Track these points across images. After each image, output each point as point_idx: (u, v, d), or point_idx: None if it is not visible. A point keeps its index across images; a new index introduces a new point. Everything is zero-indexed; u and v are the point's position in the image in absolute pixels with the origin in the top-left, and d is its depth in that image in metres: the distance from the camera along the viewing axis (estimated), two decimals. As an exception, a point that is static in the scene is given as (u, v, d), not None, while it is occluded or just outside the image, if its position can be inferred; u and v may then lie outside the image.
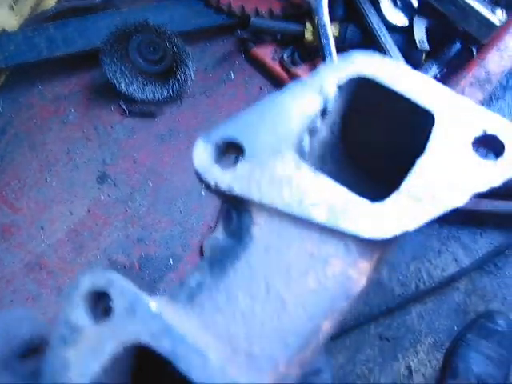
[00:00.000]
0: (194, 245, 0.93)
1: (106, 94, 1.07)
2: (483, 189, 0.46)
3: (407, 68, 0.50)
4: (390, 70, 0.51)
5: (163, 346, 0.44)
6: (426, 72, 0.96)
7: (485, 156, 0.47)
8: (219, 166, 0.47)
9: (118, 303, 0.45)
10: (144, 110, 1.04)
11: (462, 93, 0.86)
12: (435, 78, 0.97)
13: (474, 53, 1.01)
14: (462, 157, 0.47)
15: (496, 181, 0.46)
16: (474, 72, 0.89)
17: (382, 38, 0.93)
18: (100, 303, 0.47)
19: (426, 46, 0.90)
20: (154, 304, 0.45)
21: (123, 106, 1.06)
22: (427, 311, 1.83)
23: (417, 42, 0.91)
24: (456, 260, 1.84)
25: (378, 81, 0.51)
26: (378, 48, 0.93)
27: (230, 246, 0.49)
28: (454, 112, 0.49)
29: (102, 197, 1.02)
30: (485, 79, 0.86)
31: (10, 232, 1.00)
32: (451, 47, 1.01)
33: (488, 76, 0.86)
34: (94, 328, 0.45)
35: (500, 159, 0.47)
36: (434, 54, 0.98)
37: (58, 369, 0.44)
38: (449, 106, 0.49)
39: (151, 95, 1.03)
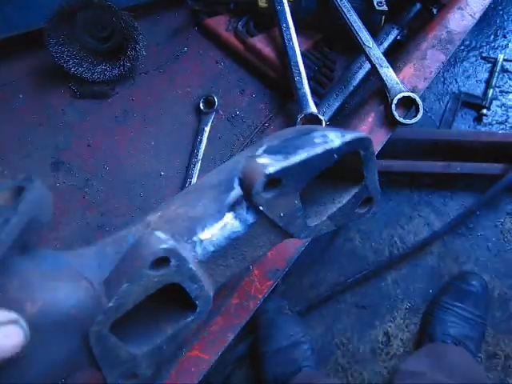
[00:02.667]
0: (156, 228, 0.88)
1: (55, 76, 1.02)
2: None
3: None
4: None
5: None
6: (386, 35, 0.93)
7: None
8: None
9: None
10: (96, 91, 0.99)
11: (425, 56, 0.83)
12: (396, 40, 0.93)
13: (435, 13, 0.98)
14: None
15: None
16: (436, 33, 0.86)
17: (339, 2, 0.89)
18: None
19: (385, 7, 0.87)
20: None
21: (73, 88, 1.01)
22: (402, 277, 1.83)
23: (374, 3, 0.87)
24: (428, 224, 1.84)
25: None
26: (336, 13, 0.88)
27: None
28: None
29: (58, 184, 0.97)
30: (447, 39, 0.83)
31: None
32: (411, 9, 0.97)
33: (450, 36, 0.83)
34: None
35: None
36: (393, 17, 0.95)
37: None
38: None
39: (102, 75, 0.98)
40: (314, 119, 0.89)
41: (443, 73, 1.91)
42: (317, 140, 0.56)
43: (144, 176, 0.96)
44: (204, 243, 0.55)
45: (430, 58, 0.84)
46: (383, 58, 0.83)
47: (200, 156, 0.95)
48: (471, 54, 1.92)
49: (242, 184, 0.56)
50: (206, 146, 0.95)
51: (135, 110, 0.99)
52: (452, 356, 1.57)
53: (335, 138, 0.55)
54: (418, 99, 0.81)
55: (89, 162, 0.98)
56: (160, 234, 0.52)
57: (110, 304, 0.49)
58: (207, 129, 0.96)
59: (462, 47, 1.92)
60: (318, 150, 0.53)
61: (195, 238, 0.54)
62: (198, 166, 0.95)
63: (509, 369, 1.76)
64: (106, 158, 0.98)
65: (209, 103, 0.97)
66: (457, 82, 1.90)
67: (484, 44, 1.91)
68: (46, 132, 1.01)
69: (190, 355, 0.81)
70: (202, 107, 0.96)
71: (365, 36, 0.85)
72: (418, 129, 1.84)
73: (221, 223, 0.55)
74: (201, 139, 0.95)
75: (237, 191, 0.56)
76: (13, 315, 0.44)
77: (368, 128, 0.83)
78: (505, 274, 1.80)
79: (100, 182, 0.97)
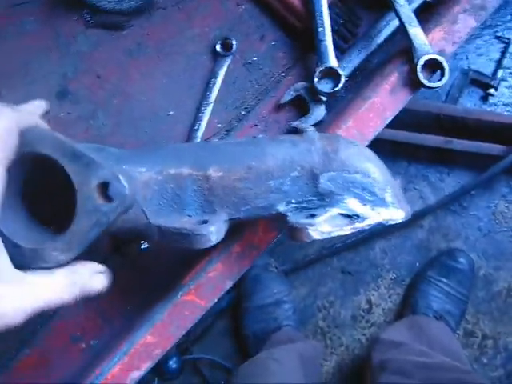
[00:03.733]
0: (160, 169, 0.87)
1: (69, 1, 0.98)
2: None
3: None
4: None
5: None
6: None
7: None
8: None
9: None
10: (110, 21, 0.96)
11: (455, 20, 0.81)
12: (425, 1, 0.90)
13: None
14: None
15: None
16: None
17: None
18: None
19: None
20: None
21: (87, 16, 0.97)
22: (390, 247, 1.83)
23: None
24: (422, 198, 1.84)
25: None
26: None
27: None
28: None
29: (62, 114, 0.95)
30: (480, 5, 0.81)
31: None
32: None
33: (483, 2, 0.81)
34: None
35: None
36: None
37: None
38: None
39: (118, 5, 0.94)
40: (333, 73, 0.87)
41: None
42: None
43: (152, 114, 0.94)
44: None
45: (460, 22, 0.81)
46: (413, 16, 0.81)
47: (212, 99, 0.92)
48: (485, 32, 1.89)
49: None
50: (219, 90, 0.93)
51: (149, 45, 0.96)
52: (432, 329, 1.59)
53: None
54: (444, 63, 0.79)
55: (97, 93, 0.95)
56: None
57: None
58: (222, 72, 0.93)
59: (477, 24, 1.89)
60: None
61: None
62: (210, 109, 0.92)
63: (484, 348, 1.79)
64: (115, 92, 0.95)
65: (226, 46, 0.94)
66: (467, 59, 1.88)
67: (500, 24, 1.88)
68: (55, 59, 0.97)
69: (186, 299, 0.80)
70: (218, 49, 0.93)
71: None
72: (422, 101, 1.82)
73: None
74: (214, 82, 0.93)
75: None
76: (101, 267, 0.62)
77: (390, 87, 0.81)
78: (492, 256, 1.81)
79: (106, 115, 0.95)
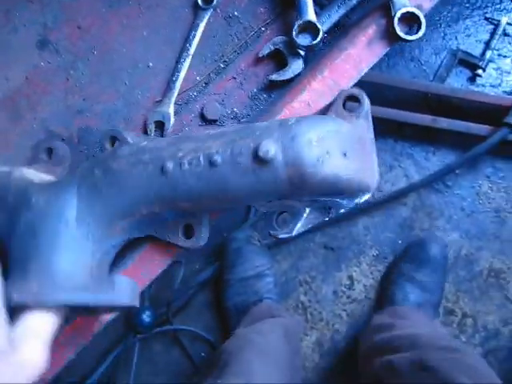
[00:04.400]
0: (137, 119, 0.88)
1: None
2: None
3: None
4: None
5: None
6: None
7: None
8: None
9: None
10: (91, -29, 0.95)
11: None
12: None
13: None
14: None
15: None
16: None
17: None
18: None
19: None
20: None
21: (68, -34, 0.97)
22: (373, 224, 1.84)
23: None
24: (407, 176, 1.85)
25: None
26: None
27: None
28: None
29: (42, 63, 0.95)
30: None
31: None
32: None
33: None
34: None
35: None
36: None
37: None
38: None
39: (100, -45, 0.94)
40: (311, 27, 0.87)
41: (444, 28, 1.88)
42: None
43: (132, 66, 0.94)
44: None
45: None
46: (392, -30, 0.81)
47: (191, 51, 0.92)
48: (475, 13, 1.89)
49: None
50: (198, 43, 0.93)
51: (131, -4, 0.96)
52: (414, 316, 1.61)
53: None
54: (421, 16, 0.79)
55: (77, 44, 0.95)
56: None
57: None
58: (202, 25, 0.93)
59: (467, 5, 1.89)
60: None
61: None
62: (188, 60, 0.92)
63: (464, 327, 1.81)
64: (95, 43, 0.95)
65: (207, -1, 0.94)
66: (456, 39, 1.88)
67: (489, 5, 1.89)
68: (36, 8, 0.97)
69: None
70: (200, 2, 0.93)
71: None
72: (410, 79, 1.83)
73: None
74: (194, 34, 0.93)
75: None
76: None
77: (367, 39, 0.81)
78: (474, 236, 1.82)
79: (86, 65, 0.94)
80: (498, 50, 1.86)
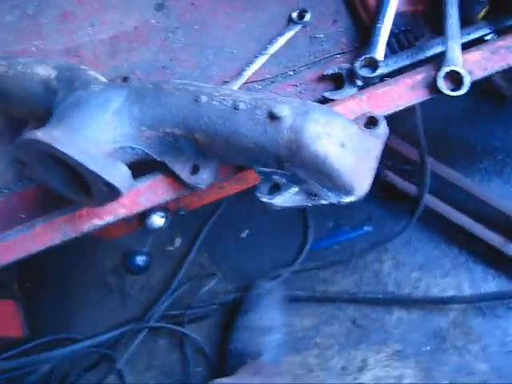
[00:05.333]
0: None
1: None
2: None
3: None
4: None
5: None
6: (476, 30, 0.96)
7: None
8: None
9: None
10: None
11: (496, 51, 0.86)
12: (482, 38, 0.96)
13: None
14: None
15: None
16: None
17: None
18: None
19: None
20: None
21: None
22: (409, 320, 1.80)
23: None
24: (459, 288, 1.79)
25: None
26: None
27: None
28: None
29: (153, 21, 1.10)
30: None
31: (67, 17, 1.11)
32: None
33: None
34: None
35: None
36: (494, 17, 0.97)
37: None
38: None
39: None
40: (374, 64, 0.94)
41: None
42: None
43: (219, 47, 1.07)
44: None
45: (500, 54, 0.86)
46: (459, 33, 0.87)
47: (270, 52, 1.04)
48: None
49: None
50: (279, 48, 1.04)
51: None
52: None
53: None
54: (466, 77, 0.84)
55: (186, 15, 1.10)
56: None
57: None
58: (288, 35, 1.05)
59: None
60: None
61: None
62: (265, 58, 1.04)
63: None
64: (200, 20, 1.10)
65: (301, 16, 1.05)
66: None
67: None
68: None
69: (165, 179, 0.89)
70: (294, 16, 1.05)
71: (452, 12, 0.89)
72: (499, 198, 1.80)
73: None
74: (278, 39, 1.04)
75: None
76: None
77: (412, 83, 0.88)
78: (503, 375, 1.71)
79: (184, 35, 1.09)
80: None
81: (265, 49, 1.04)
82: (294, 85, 1.03)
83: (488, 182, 1.86)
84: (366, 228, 1.87)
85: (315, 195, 0.78)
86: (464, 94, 0.84)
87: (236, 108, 0.77)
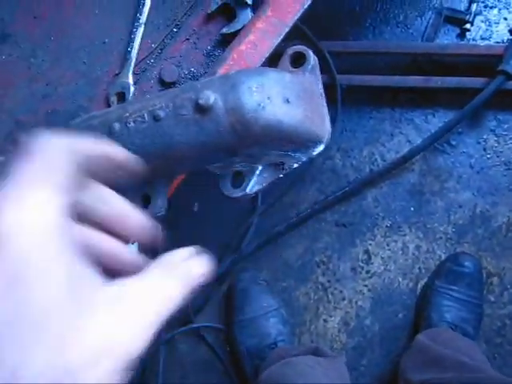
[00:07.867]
0: (99, 95, 0.89)
1: None
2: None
3: None
4: None
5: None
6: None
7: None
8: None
9: None
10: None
11: None
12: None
13: None
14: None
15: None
16: None
17: None
18: None
19: None
20: None
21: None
22: (382, 194, 1.81)
23: None
24: (409, 141, 1.81)
25: None
26: None
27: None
28: None
29: (4, 56, 0.97)
30: None
31: None
32: None
33: None
34: None
35: None
36: None
37: None
38: None
39: None
40: (255, -26, 0.87)
41: (425, -12, 1.86)
42: None
43: (88, 44, 0.95)
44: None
45: None
46: None
47: (143, 20, 0.93)
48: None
49: None
50: (149, 12, 0.94)
51: (79, -23, 0.97)
52: (452, 338, 1.57)
53: None
54: None
55: (34, 32, 0.97)
56: None
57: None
58: (151, -7, 0.94)
59: (447, -39, 1.87)
60: None
61: None
62: (141, 30, 0.93)
63: (490, 286, 1.75)
64: (52, 29, 0.97)
65: (153, -33, 0.95)
66: (440, -2, 1.85)
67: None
68: (-9, 5, 1.00)
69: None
70: (145, -30, 0.95)
71: None
72: (398, 42, 1.81)
73: None
74: (144, 3, 0.94)
75: None
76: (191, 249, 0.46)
77: None
78: (487, 192, 1.77)
79: (45, 52, 0.96)
80: (483, 2, 1.82)
81: (135, 20, 0.94)
82: (185, 40, 0.93)
83: (381, 34, 1.85)
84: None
85: (282, 164, 0.70)
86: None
87: (157, 119, 0.65)
